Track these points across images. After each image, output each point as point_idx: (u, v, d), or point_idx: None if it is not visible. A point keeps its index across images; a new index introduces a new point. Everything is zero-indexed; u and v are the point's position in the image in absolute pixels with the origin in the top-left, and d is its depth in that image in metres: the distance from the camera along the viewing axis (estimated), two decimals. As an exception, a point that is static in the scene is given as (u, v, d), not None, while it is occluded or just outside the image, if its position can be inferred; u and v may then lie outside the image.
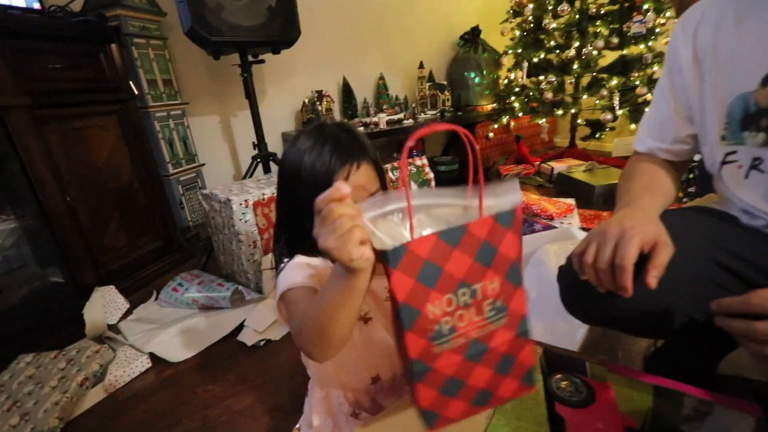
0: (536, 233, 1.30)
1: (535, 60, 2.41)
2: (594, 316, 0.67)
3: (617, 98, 2.16)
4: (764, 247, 0.58)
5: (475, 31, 2.71)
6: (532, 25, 2.39)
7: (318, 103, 2.12)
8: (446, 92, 2.51)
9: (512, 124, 2.75)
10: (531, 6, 2.34)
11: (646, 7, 2.06)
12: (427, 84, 2.54)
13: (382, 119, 2.06)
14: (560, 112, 2.37)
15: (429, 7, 2.68)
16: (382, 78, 2.44)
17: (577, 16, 2.23)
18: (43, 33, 1.17)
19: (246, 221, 1.26)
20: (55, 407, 0.87)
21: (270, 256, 1.29)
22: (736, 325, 0.45)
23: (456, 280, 0.37)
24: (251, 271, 1.31)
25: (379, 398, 0.66)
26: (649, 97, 2.11)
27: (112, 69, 1.38)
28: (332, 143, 0.54)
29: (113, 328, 1.21)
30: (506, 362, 0.42)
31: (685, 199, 1.50)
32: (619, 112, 2.18)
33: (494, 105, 2.66)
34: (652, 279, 0.51)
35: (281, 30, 1.53)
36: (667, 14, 2.07)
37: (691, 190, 1.52)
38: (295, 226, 0.58)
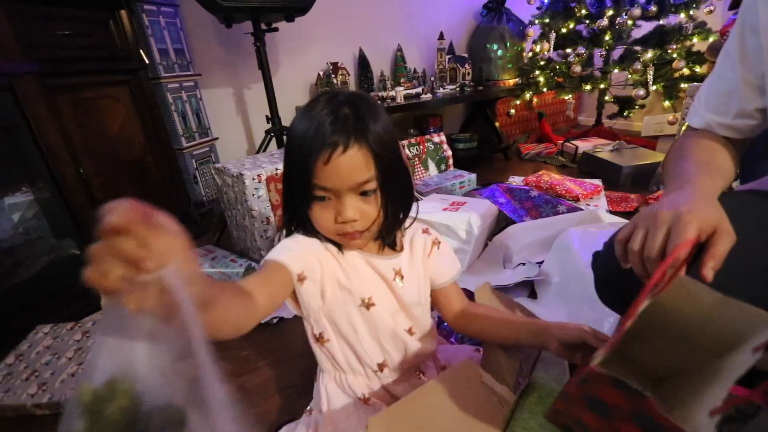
0: (560, 215, 1.24)
1: (564, 31, 2.26)
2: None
3: (651, 72, 2.02)
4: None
5: (500, 0, 2.55)
6: (563, -9, 2.24)
7: (333, 75, 2.04)
8: (467, 65, 2.39)
9: (535, 100, 2.63)
10: (562, -29, 2.18)
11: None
12: (447, 57, 2.42)
13: (400, 93, 1.97)
14: (588, 87, 2.23)
15: (451, -27, 2.53)
16: (399, 50, 2.33)
17: (613, -18, 2.07)
18: (50, -3, 1.12)
19: (259, 197, 1.23)
20: (71, 378, 0.87)
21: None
22: None
23: None
24: (264, 248, 1.29)
25: (389, 385, 0.63)
26: (686, 71, 1.97)
27: (122, 37, 1.33)
28: (329, 114, 0.48)
29: (128, 301, 1.21)
30: None
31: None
32: (653, 88, 2.04)
33: (517, 80, 2.53)
34: (709, 271, 0.45)
35: (295, -5, 1.45)
36: (714, -22, 1.90)
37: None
38: (290, 202, 0.56)
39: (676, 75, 1.98)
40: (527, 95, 2.47)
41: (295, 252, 0.54)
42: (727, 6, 2.04)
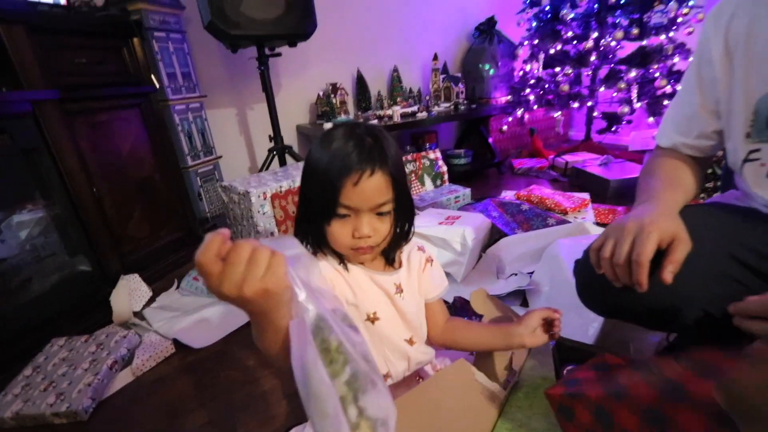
0: (550, 228, 1.31)
1: (552, 51, 2.37)
2: (610, 310, 0.68)
3: (635, 91, 2.12)
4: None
5: (491, 22, 2.68)
6: (549, 15, 2.35)
7: (332, 95, 2.13)
8: (460, 84, 2.50)
9: (526, 116, 2.73)
10: (549, -5, 2.30)
11: (667, -4, 2.01)
12: (441, 76, 2.53)
13: (396, 112, 2.06)
14: (576, 104, 2.34)
15: (444, -3, 2.65)
16: (396, 70, 2.43)
17: (596, 6, 2.19)
18: (69, 28, 1.21)
19: (264, 213, 1.29)
20: (87, 388, 0.92)
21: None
22: (755, 327, 0.46)
23: None
24: (269, 261, 1.35)
25: (390, 390, 0.68)
26: (668, 89, 2.07)
27: (134, 63, 1.41)
28: (355, 144, 0.54)
29: (138, 314, 1.26)
30: None
31: (702, 195, 1.48)
32: (637, 105, 2.14)
33: (509, 97, 2.64)
34: (668, 275, 0.53)
35: (298, 23, 1.54)
36: (690, 3, 2.02)
37: (709, 185, 1.50)
38: (307, 220, 0.60)
39: (659, 93, 2.09)
40: (519, 112, 2.57)
41: (311, 272, 0.60)
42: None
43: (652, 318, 0.60)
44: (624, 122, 2.37)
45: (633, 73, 2.14)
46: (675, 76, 2.08)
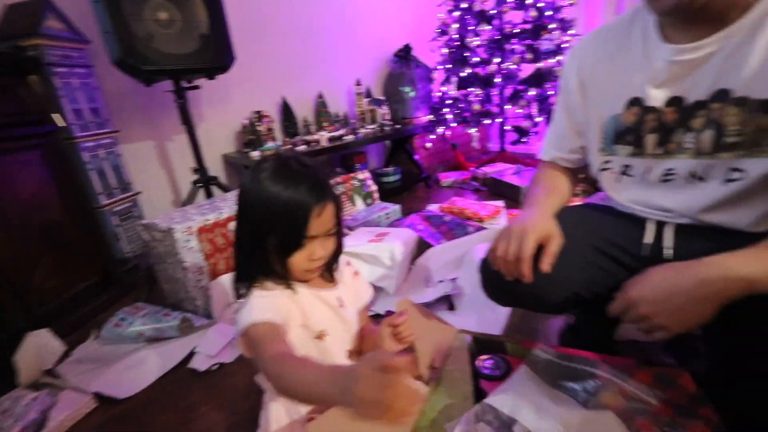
0: (469, 235, 1.43)
1: (463, 74, 2.61)
2: (507, 299, 0.80)
3: (535, 107, 2.41)
4: (632, 235, 0.73)
5: (407, 49, 2.87)
6: (457, 43, 2.60)
7: (258, 123, 2.14)
8: (384, 106, 2.64)
9: (448, 133, 2.94)
10: (455, 26, 2.54)
11: (552, 26, 2.33)
12: (366, 99, 2.65)
13: (323, 137, 2.12)
14: (488, 121, 2.58)
15: (362, 28, 2.80)
16: (321, 96, 2.51)
17: (497, 35, 2.47)
18: (-49, 68, 1.11)
19: (190, 248, 1.26)
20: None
21: (220, 279, 1.30)
22: (625, 319, 0.60)
23: None
24: (199, 297, 1.31)
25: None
26: (561, 105, 2.38)
27: (33, 101, 1.32)
28: (308, 182, 0.61)
29: (51, 372, 1.15)
30: None
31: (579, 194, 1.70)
32: (538, 120, 2.43)
33: (430, 117, 2.83)
34: (546, 265, 0.65)
35: (215, 56, 1.55)
36: (571, 32, 2.36)
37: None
38: (258, 254, 0.63)
39: (554, 108, 2.39)
40: (440, 130, 2.76)
41: (272, 308, 0.61)
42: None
43: (538, 302, 0.72)
44: (532, 133, 2.66)
45: (532, 92, 2.43)
46: (565, 93, 2.40)
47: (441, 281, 1.26)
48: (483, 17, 2.47)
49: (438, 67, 2.71)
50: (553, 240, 0.67)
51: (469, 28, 2.48)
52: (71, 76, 1.55)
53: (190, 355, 1.15)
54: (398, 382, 0.38)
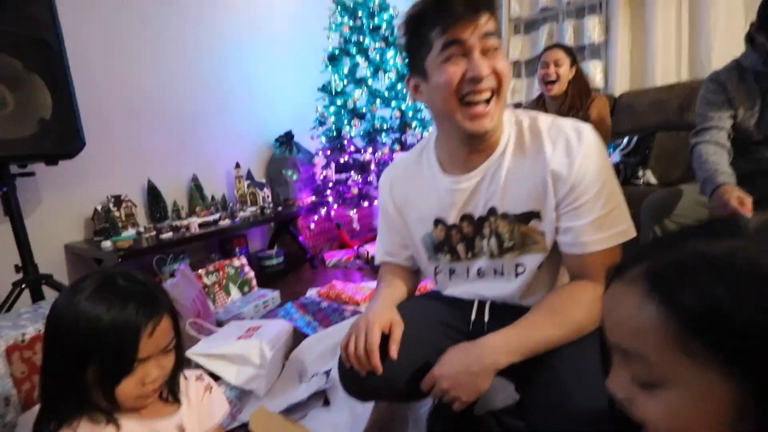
0: (345, 320, 1.44)
1: (341, 160, 2.81)
2: (365, 394, 0.81)
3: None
4: (462, 316, 0.83)
5: (289, 135, 3.01)
6: (335, 133, 2.83)
7: (115, 209, 1.92)
8: (265, 189, 2.64)
9: (333, 212, 3.05)
10: (332, 119, 2.79)
11: (414, 124, 2.73)
12: (246, 182, 2.63)
13: (193, 223, 2.00)
14: (366, 203, 2.77)
15: (242, 113, 2.86)
16: (195, 179, 2.40)
17: (369, 127, 2.77)
18: None
19: (-7, 374, 1.00)
20: None
21: (33, 411, 1.03)
22: (432, 393, 0.67)
23: None
24: (0, 439, 1.01)
25: None
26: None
27: None
28: (136, 299, 0.55)
29: None
30: None
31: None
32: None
33: (313, 198, 2.92)
34: (393, 352, 0.70)
35: (57, 143, 1.40)
36: (430, 129, 2.78)
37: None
38: (73, 388, 0.55)
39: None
40: (323, 211, 2.86)
41: None
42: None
43: (393, 391, 0.74)
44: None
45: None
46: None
47: (315, 375, 1.21)
48: (356, 113, 2.77)
49: (318, 152, 2.89)
50: (396, 327, 0.73)
51: (344, 121, 2.75)
52: None
53: None
54: None
